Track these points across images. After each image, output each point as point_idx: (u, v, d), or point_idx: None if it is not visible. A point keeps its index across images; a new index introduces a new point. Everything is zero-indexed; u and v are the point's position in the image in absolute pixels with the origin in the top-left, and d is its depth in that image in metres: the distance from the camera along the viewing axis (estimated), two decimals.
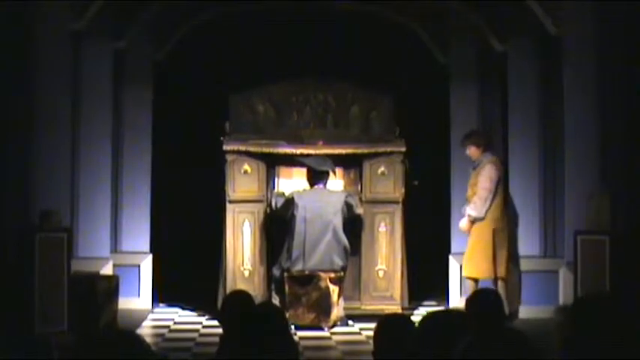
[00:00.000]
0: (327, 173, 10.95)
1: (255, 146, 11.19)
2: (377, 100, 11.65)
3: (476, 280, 10.84)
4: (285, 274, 10.72)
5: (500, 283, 10.77)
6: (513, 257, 11.03)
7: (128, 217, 12.01)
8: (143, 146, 12.06)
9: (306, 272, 10.66)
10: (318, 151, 11.15)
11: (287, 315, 10.17)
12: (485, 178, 10.80)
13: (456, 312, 4.94)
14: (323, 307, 10.68)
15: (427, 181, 11.37)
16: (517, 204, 11.45)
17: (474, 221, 10.83)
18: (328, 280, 10.68)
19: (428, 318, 4.36)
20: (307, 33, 12.67)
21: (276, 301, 10.61)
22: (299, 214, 10.69)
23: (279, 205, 10.86)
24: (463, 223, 10.93)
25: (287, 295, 10.68)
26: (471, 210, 10.81)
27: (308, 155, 11.07)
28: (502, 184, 10.98)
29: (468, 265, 10.90)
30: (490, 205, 10.80)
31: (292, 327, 10.14)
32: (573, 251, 9.82)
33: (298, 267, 10.68)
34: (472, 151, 10.96)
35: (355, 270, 11.23)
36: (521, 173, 11.46)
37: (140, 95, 12.09)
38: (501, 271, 10.79)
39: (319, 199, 10.76)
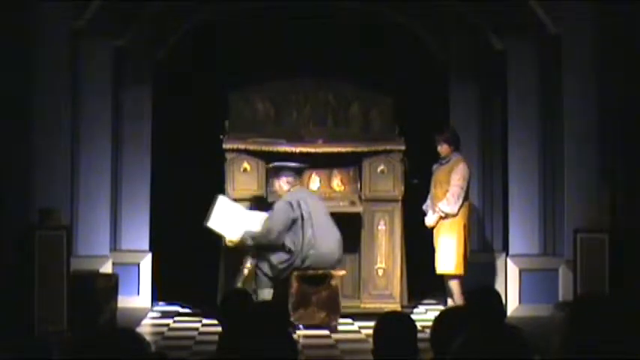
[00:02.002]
0: (301, 174, 10.86)
1: (255, 144, 11.18)
2: (377, 99, 11.66)
3: (458, 277, 10.91)
4: (295, 273, 10.48)
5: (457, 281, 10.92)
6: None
7: (128, 216, 12.00)
8: (143, 145, 12.05)
9: (319, 271, 10.43)
10: (317, 150, 11.14)
11: (296, 315, 10.18)
12: (459, 176, 10.94)
13: (463, 309, 4.95)
14: (332, 305, 10.52)
15: (426, 179, 11.37)
16: (517, 202, 11.47)
17: (444, 217, 10.92)
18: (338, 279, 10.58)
19: (441, 316, 4.36)
20: (307, 32, 12.65)
21: (268, 296, 10.45)
22: (303, 215, 10.50)
23: (280, 229, 10.50)
24: (432, 219, 10.99)
25: (295, 295, 10.44)
26: (444, 206, 10.91)
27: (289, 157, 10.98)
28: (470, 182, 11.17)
29: (451, 263, 10.91)
30: (462, 203, 10.89)
31: (301, 327, 10.16)
32: (573, 249, 9.83)
33: (307, 263, 10.47)
34: (444, 149, 11.08)
35: (355, 268, 11.22)
36: (521, 172, 11.48)
37: (140, 94, 12.09)
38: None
39: (311, 197, 10.68)
